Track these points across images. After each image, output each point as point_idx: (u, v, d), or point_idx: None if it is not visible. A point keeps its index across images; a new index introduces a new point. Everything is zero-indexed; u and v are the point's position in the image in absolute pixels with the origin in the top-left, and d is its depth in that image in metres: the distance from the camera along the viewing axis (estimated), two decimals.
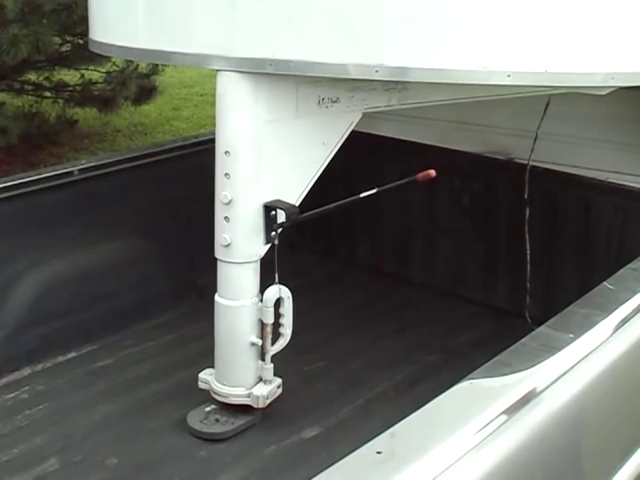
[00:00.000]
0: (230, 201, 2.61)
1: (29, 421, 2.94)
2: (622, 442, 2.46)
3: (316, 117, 2.67)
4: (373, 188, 2.81)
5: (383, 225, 4.14)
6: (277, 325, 2.75)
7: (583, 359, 2.15)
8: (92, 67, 7.55)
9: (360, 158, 3.86)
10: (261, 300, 2.72)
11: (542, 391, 2.03)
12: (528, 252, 3.48)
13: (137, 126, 9.03)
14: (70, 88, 7.79)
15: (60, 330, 3.32)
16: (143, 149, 4.30)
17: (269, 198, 2.65)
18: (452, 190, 3.87)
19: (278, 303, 2.73)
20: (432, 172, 2.69)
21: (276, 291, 2.71)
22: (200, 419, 2.84)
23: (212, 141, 2.68)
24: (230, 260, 2.69)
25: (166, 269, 3.71)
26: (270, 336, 2.74)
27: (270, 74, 2.48)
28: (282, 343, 2.76)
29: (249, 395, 2.77)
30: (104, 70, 7.62)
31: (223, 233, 2.66)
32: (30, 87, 7.71)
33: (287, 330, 2.76)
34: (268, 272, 2.72)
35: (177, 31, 2.61)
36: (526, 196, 3.45)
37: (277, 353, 2.77)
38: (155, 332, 3.52)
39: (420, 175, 2.72)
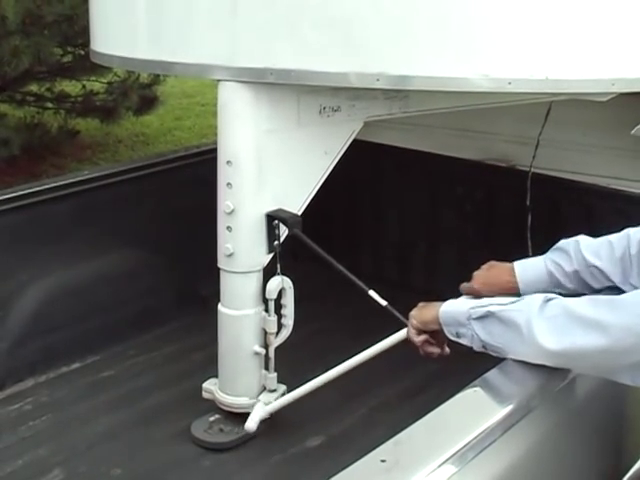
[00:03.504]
0: (232, 211, 2.61)
1: (33, 432, 2.94)
2: (629, 445, 2.45)
3: (317, 126, 2.68)
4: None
5: (385, 233, 4.14)
6: (279, 316, 2.75)
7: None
8: (93, 78, 7.55)
9: (362, 166, 3.86)
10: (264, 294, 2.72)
11: (547, 398, 2.03)
12: None
13: (139, 136, 9.03)
14: (72, 99, 7.80)
15: (63, 341, 3.32)
16: (145, 159, 4.31)
17: (271, 207, 2.65)
18: (454, 197, 3.87)
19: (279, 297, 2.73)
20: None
21: (279, 282, 2.70)
22: (204, 429, 2.84)
23: (214, 151, 2.68)
24: (233, 270, 2.69)
25: (169, 279, 3.72)
26: (274, 345, 2.74)
27: (271, 84, 2.48)
28: (285, 334, 2.76)
29: (254, 403, 2.77)
30: (105, 81, 7.62)
31: (226, 243, 2.66)
32: (32, 98, 7.72)
33: (289, 321, 2.75)
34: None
35: (178, 41, 2.62)
36: (528, 203, 3.45)
37: (280, 362, 2.77)
38: (158, 342, 3.52)
39: None
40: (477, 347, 2.17)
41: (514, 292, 2.33)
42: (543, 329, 1.95)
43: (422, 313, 2.36)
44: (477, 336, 2.14)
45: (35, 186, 3.47)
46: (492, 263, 2.45)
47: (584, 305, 1.94)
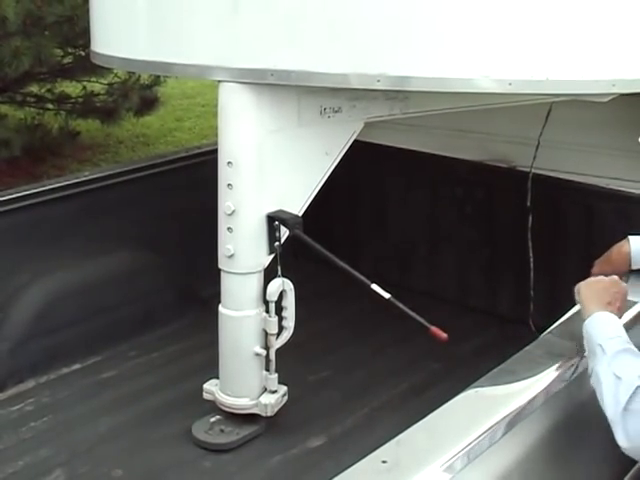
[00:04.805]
0: (233, 212, 2.61)
1: (34, 433, 2.94)
2: None
3: (318, 127, 2.68)
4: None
5: (386, 234, 4.15)
6: (279, 318, 2.74)
7: (587, 366, 2.15)
8: (94, 79, 7.54)
9: (362, 167, 3.86)
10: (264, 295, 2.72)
11: (547, 399, 2.03)
12: (531, 259, 3.48)
13: (139, 137, 9.03)
14: (72, 100, 7.80)
15: (64, 342, 3.32)
16: (145, 160, 4.31)
17: (272, 208, 2.65)
18: (454, 198, 3.88)
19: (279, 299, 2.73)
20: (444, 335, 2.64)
21: (280, 284, 2.70)
22: (205, 430, 2.84)
23: (214, 152, 2.68)
24: (234, 271, 2.69)
25: (170, 280, 3.72)
26: (275, 347, 2.74)
27: (272, 84, 2.48)
28: (286, 336, 2.75)
29: (256, 404, 2.77)
30: (106, 82, 7.62)
31: (226, 244, 2.66)
32: (32, 99, 7.71)
33: (290, 323, 2.75)
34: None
35: (178, 42, 2.62)
36: (529, 203, 3.45)
37: (282, 363, 2.77)
38: (159, 343, 3.52)
39: (434, 330, 2.67)
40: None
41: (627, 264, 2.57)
42: (622, 431, 1.90)
43: (588, 297, 2.29)
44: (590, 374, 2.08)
45: (36, 187, 3.48)
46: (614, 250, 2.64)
47: None
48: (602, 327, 2.16)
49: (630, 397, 1.90)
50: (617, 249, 2.62)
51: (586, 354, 2.16)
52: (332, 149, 2.73)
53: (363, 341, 3.50)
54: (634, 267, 2.59)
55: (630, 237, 2.61)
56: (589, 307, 2.24)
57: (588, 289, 2.34)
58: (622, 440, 1.90)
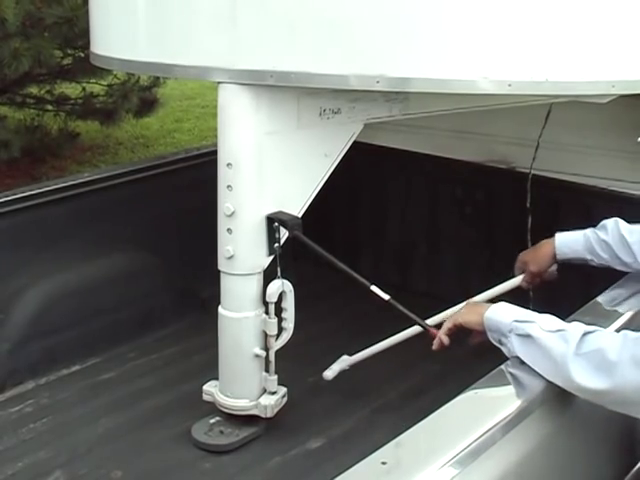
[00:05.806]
0: (233, 213, 2.61)
1: (33, 434, 2.94)
2: (631, 446, 2.45)
3: (318, 128, 2.68)
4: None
5: (386, 235, 4.15)
6: (279, 319, 2.74)
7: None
8: (93, 80, 7.55)
9: (362, 168, 3.86)
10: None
11: (547, 400, 2.03)
12: None
13: (139, 139, 9.04)
14: (72, 101, 7.80)
15: (64, 343, 3.32)
16: (145, 161, 4.31)
17: (272, 210, 2.65)
18: (454, 199, 3.88)
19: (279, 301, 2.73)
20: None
21: (279, 285, 2.69)
22: (204, 431, 2.83)
23: (214, 153, 2.68)
24: (233, 272, 2.69)
25: (169, 281, 3.72)
26: (274, 348, 2.74)
27: (271, 86, 2.48)
28: (285, 337, 2.75)
29: (256, 405, 2.77)
30: (105, 83, 7.63)
31: (226, 245, 2.66)
32: (32, 100, 7.72)
33: (289, 324, 2.74)
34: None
35: (178, 44, 2.62)
36: (528, 204, 3.45)
37: (281, 364, 2.77)
38: (159, 345, 3.52)
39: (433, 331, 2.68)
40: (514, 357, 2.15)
41: (555, 259, 2.78)
42: (579, 369, 1.94)
43: (468, 314, 2.40)
44: (515, 351, 2.12)
45: (35, 188, 3.48)
46: (541, 242, 2.85)
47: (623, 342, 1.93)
48: (507, 310, 2.22)
49: (578, 343, 1.96)
50: (545, 241, 2.82)
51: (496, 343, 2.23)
52: (331, 150, 2.73)
53: (363, 342, 3.50)
54: (558, 257, 2.79)
55: (557, 233, 2.79)
56: (479, 309, 2.31)
57: (464, 309, 2.49)
58: (582, 379, 1.93)
